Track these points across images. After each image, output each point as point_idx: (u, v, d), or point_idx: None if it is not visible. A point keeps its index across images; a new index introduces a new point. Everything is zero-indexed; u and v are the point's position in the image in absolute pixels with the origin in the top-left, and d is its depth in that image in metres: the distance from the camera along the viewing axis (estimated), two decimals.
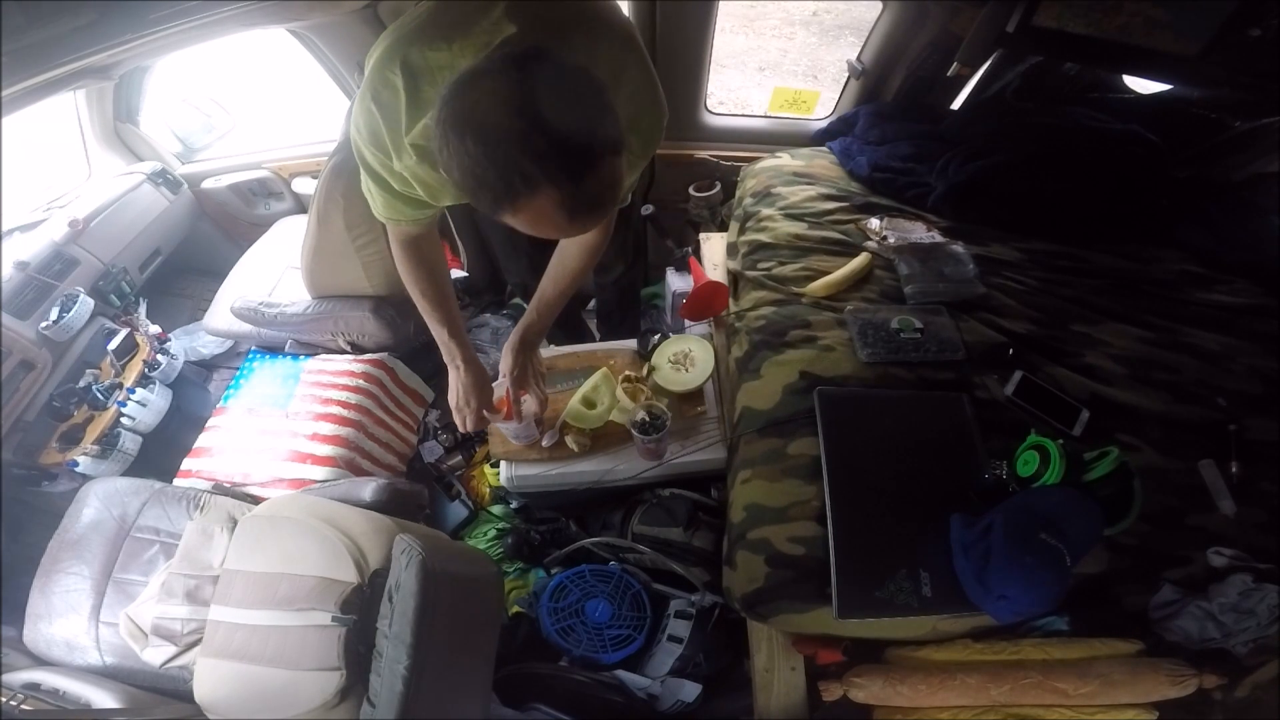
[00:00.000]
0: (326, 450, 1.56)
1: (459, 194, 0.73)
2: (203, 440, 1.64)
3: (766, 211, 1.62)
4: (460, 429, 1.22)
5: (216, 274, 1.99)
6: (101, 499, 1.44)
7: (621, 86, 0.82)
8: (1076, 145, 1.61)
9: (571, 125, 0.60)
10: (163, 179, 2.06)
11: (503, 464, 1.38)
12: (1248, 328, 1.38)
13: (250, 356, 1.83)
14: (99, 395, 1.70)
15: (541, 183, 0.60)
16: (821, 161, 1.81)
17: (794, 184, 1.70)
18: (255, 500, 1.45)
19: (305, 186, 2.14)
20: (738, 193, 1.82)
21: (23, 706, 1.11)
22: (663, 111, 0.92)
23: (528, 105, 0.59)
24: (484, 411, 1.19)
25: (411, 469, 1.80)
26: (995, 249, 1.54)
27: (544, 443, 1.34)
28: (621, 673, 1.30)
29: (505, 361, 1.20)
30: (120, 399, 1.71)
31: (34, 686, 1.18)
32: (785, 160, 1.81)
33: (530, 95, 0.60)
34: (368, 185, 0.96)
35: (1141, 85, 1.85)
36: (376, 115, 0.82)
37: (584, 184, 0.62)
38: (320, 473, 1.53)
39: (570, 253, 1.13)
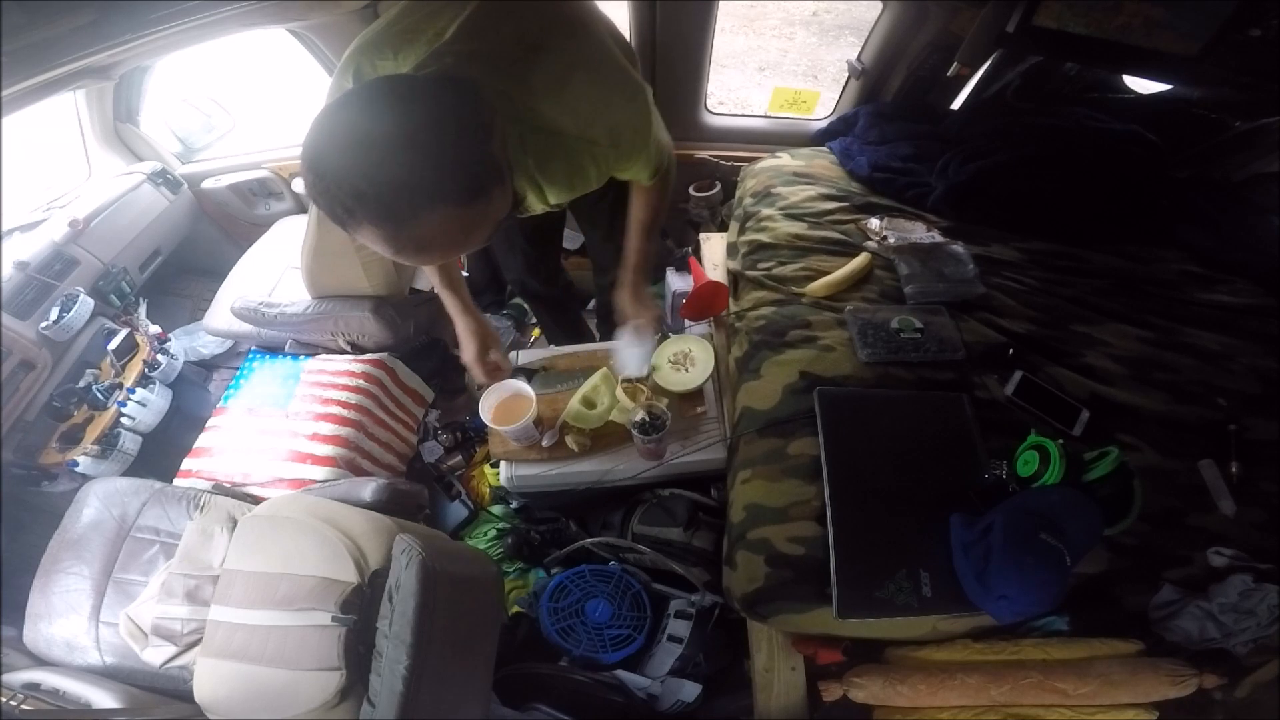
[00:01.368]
0: (326, 450, 1.56)
1: None
2: (203, 440, 1.64)
3: (766, 211, 1.62)
4: (479, 380, 1.26)
5: (216, 274, 1.99)
6: (101, 499, 1.44)
7: (566, 82, 0.81)
8: (1076, 145, 1.61)
9: (398, 173, 0.59)
10: (163, 179, 2.06)
11: (503, 464, 1.37)
12: (1248, 328, 1.38)
13: (250, 356, 1.83)
14: (99, 395, 1.69)
15: (362, 221, 0.61)
16: (821, 161, 1.81)
17: (794, 184, 1.70)
18: (255, 500, 1.45)
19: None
20: (738, 193, 1.82)
21: (23, 706, 1.11)
22: (627, 107, 0.89)
23: (363, 144, 0.60)
24: (491, 363, 1.23)
25: (411, 469, 1.80)
26: (995, 249, 1.54)
27: (544, 443, 1.34)
28: (621, 673, 1.30)
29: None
30: (120, 399, 1.71)
31: (34, 686, 1.18)
32: (785, 160, 1.81)
33: (370, 134, 0.60)
34: None
35: (1141, 85, 1.85)
36: None
37: (405, 228, 0.62)
38: (320, 473, 1.53)
39: (634, 205, 1.14)
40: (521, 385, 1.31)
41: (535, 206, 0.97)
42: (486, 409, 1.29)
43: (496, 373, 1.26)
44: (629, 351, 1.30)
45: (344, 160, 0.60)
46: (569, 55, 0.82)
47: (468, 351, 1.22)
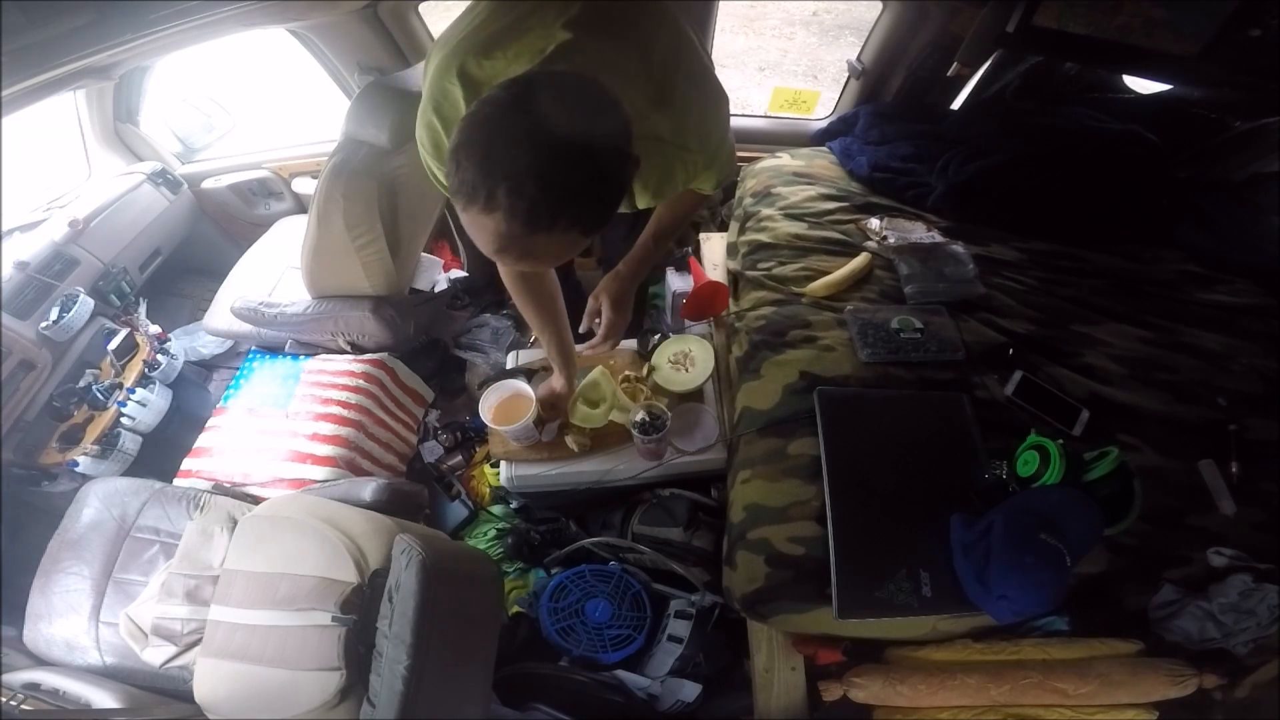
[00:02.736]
0: (326, 450, 1.56)
1: None
2: (203, 440, 1.64)
3: (766, 211, 1.62)
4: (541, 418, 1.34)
5: (216, 274, 1.99)
6: (101, 499, 1.44)
7: (675, 89, 0.80)
8: (1076, 145, 1.61)
9: (561, 189, 0.59)
10: (163, 179, 2.06)
11: (503, 464, 1.38)
12: (1248, 328, 1.38)
13: (250, 356, 1.83)
14: (99, 395, 1.69)
15: (497, 210, 0.59)
16: (821, 161, 1.81)
17: (794, 184, 1.71)
18: (255, 500, 1.45)
19: (305, 186, 2.13)
20: (738, 193, 1.82)
21: (23, 706, 1.10)
22: (718, 116, 0.90)
23: (547, 145, 0.58)
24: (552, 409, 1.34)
25: (411, 469, 1.80)
26: (995, 249, 1.54)
27: (543, 438, 1.34)
28: (621, 673, 1.30)
29: (590, 305, 1.24)
30: (120, 399, 1.71)
31: (34, 686, 1.18)
32: (785, 160, 1.81)
33: (555, 138, 0.59)
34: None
35: (1141, 85, 1.85)
36: (439, 128, 0.80)
37: (532, 235, 0.61)
38: (320, 473, 1.53)
39: (668, 205, 1.13)
40: (521, 385, 1.32)
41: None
42: (486, 409, 1.29)
43: (549, 415, 1.35)
44: (511, 434, 1.34)
45: (518, 151, 0.58)
46: (675, 62, 0.81)
47: (544, 390, 1.34)
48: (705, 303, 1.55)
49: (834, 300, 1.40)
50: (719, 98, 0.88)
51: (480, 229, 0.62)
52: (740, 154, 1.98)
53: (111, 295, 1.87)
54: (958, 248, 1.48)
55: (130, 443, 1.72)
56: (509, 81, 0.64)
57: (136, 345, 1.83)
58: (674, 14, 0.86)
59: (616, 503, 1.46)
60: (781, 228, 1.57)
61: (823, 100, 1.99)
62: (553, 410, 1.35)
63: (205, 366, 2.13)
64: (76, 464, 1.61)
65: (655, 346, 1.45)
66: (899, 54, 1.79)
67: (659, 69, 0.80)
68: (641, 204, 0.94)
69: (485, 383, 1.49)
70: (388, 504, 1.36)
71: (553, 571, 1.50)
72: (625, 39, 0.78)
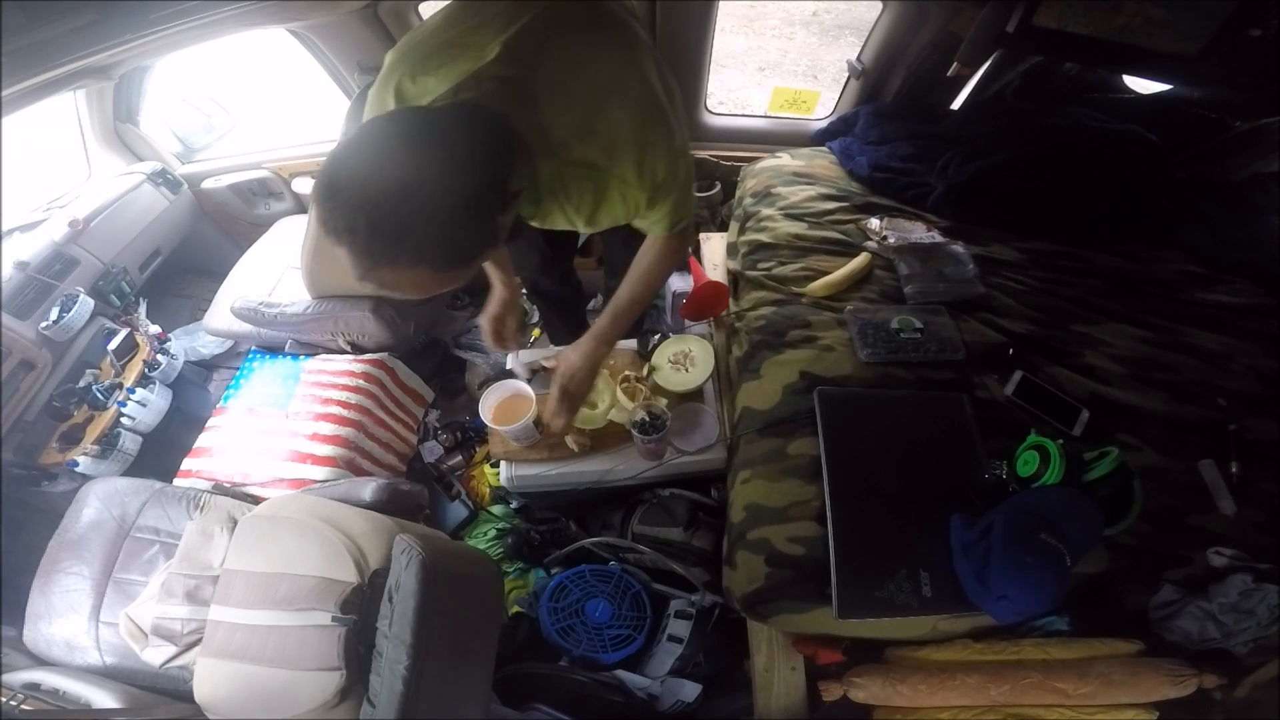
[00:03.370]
0: (326, 450, 1.56)
1: None
2: (203, 440, 1.64)
3: (766, 211, 1.62)
4: (491, 344, 1.26)
5: (216, 274, 1.99)
6: (101, 499, 1.44)
7: (605, 118, 0.80)
8: (1076, 145, 1.61)
9: (393, 224, 0.60)
10: (163, 179, 2.06)
11: (503, 464, 1.37)
12: (1248, 328, 1.38)
13: (250, 356, 1.83)
14: (99, 395, 1.69)
15: (345, 245, 0.62)
16: (821, 161, 1.81)
17: (794, 184, 1.70)
18: (255, 500, 1.45)
19: (305, 186, 2.13)
20: (738, 193, 1.82)
21: (23, 706, 1.11)
22: (664, 148, 0.86)
23: (374, 181, 0.61)
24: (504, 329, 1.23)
25: (411, 469, 1.80)
26: (995, 249, 1.54)
27: (540, 435, 1.33)
28: (621, 673, 1.30)
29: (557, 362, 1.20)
30: (120, 399, 1.71)
31: (34, 686, 1.18)
32: (785, 160, 1.81)
33: (385, 173, 0.61)
34: None
35: (1141, 85, 1.85)
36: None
37: (378, 269, 0.63)
38: (320, 473, 1.53)
39: (641, 258, 1.11)
40: (521, 385, 1.32)
41: (561, 225, 0.96)
42: (487, 409, 1.29)
43: (501, 340, 1.25)
44: (513, 434, 1.28)
45: (354, 187, 0.61)
46: (609, 92, 0.80)
47: (487, 310, 1.22)
48: (705, 303, 1.55)
49: (834, 300, 1.40)
50: (668, 135, 0.85)
51: (343, 259, 0.64)
52: (740, 154, 2.01)
53: (111, 295, 1.87)
54: (958, 248, 1.48)
55: (130, 443, 1.72)
56: (385, 114, 0.68)
57: (136, 345, 1.83)
58: (628, 46, 0.85)
59: (616, 503, 1.46)
60: (781, 228, 1.57)
61: (823, 100, 1.99)
62: (501, 338, 1.25)
63: (205, 366, 2.13)
64: (76, 464, 1.61)
65: (655, 346, 1.44)
66: (899, 54, 1.79)
67: (585, 98, 0.79)
68: (581, 227, 0.94)
69: (485, 383, 1.50)
70: (388, 504, 1.36)
71: (553, 571, 1.50)
72: (549, 68, 0.78)
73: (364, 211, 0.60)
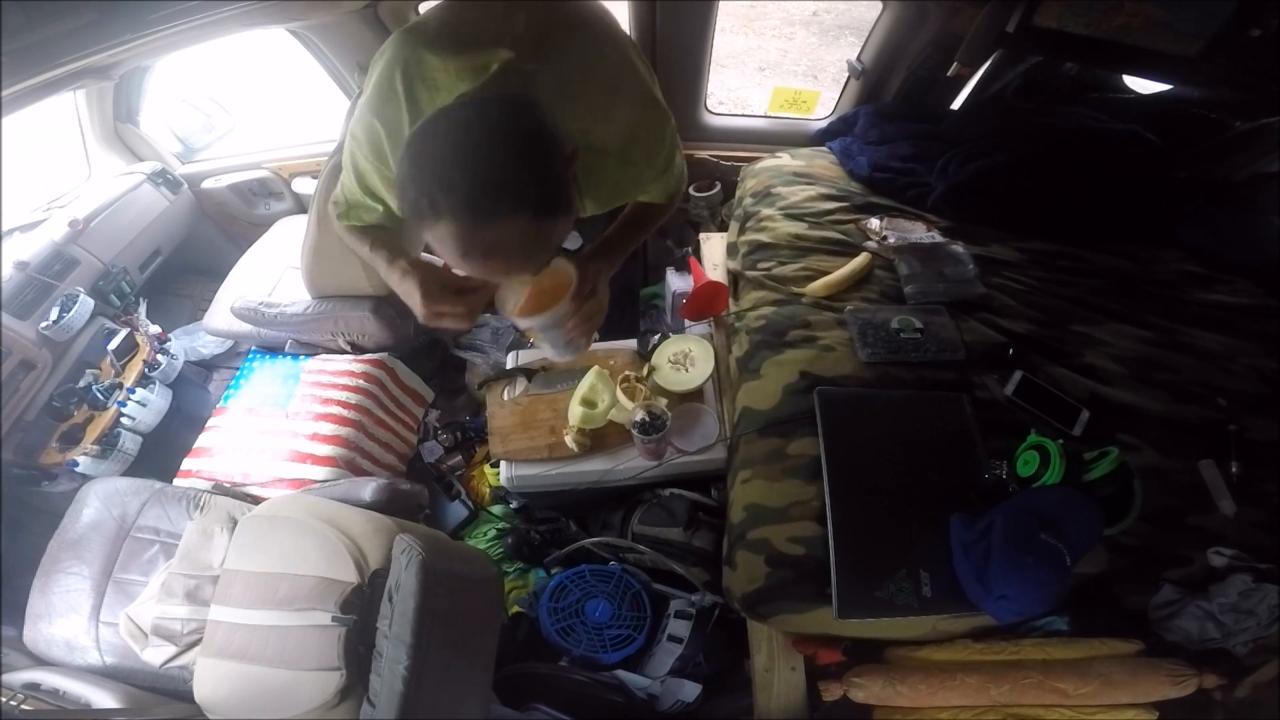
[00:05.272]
0: (326, 450, 1.56)
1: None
2: (203, 440, 1.64)
3: (766, 211, 1.62)
4: (453, 324, 0.89)
5: (216, 274, 1.99)
6: (101, 499, 1.44)
7: (616, 108, 0.84)
8: (1076, 145, 1.61)
9: (490, 176, 0.63)
10: (163, 179, 2.06)
11: (503, 464, 1.38)
12: (1248, 328, 1.38)
13: (250, 356, 1.83)
14: (99, 395, 1.69)
15: (443, 213, 0.63)
16: (821, 161, 1.81)
17: (794, 184, 1.70)
18: (255, 500, 1.45)
19: (305, 186, 2.13)
20: (738, 193, 1.82)
21: (23, 706, 1.10)
22: (664, 134, 0.93)
23: (461, 145, 0.64)
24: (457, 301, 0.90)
25: (411, 469, 1.79)
26: (995, 249, 1.54)
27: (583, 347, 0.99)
28: (621, 673, 1.30)
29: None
30: (120, 399, 1.71)
31: (34, 686, 1.18)
32: (785, 160, 1.81)
33: (470, 137, 0.64)
34: (350, 189, 0.95)
35: (1141, 85, 1.85)
36: (378, 128, 0.83)
37: (481, 228, 0.64)
38: (320, 473, 1.53)
39: (637, 208, 1.10)
40: (555, 260, 0.89)
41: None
42: (512, 304, 0.87)
43: (446, 317, 0.87)
44: (548, 333, 0.91)
45: (443, 153, 0.64)
46: (615, 83, 0.85)
47: (424, 296, 0.87)
48: (705, 303, 1.55)
49: (834, 300, 1.40)
50: (662, 118, 0.92)
51: (440, 241, 0.66)
52: (740, 154, 2.01)
53: (111, 295, 1.87)
54: (958, 248, 1.48)
55: (130, 443, 1.72)
56: (441, 109, 0.70)
57: (136, 345, 1.83)
58: (621, 38, 0.90)
59: (616, 503, 1.46)
60: (781, 228, 1.57)
61: (823, 100, 1.99)
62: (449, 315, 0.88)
63: (205, 366, 2.12)
64: (76, 464, 1.61)
65: (655, 346, 1.45)
66: (899, 54, 1.79)
67: (600, 91, 0.83)
68: (591, 210, 0.97)
69: (485, 382, 1.49)
70: (388, 504, 1.35)
71: (553, 571, 1.50)
72: (567, 61, 0.81)
73: (459, 166, 0.62)
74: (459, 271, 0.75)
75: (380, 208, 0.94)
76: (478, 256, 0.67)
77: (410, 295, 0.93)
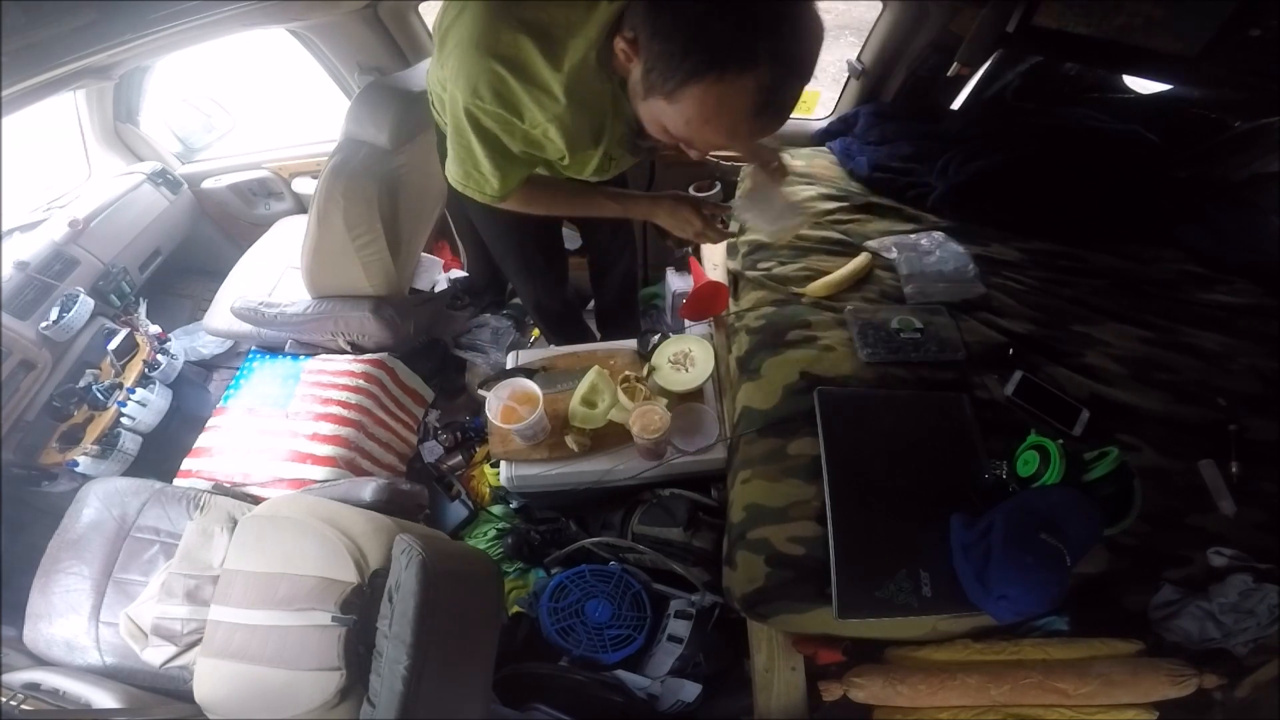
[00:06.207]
0: (326, 450, 1.56)
1: (594, 138, 0.87)
2: (203, 440, 1.64)
3: None
4: (699, 240, 1.19)
5: (216, 274, 1.99)
6: (101, 499, 1.44)
7: None
8: (1076, 145, 1.61)
9: (813, 44, 0.69)
10: (163, 179, 2.06)
11: (503, 464, 1.37)
12: (1248, 328, 1.38)
13: (250, 356, 1.83)
14: (99, 395, 1.70)
15: (762, 64, 0.67)
16: (821, 161, 1.81)
17: (794, 184, 1.70)
18: (255, 500, 1.45)
19: (305, 186, 2.14)
20: (738, 193, 1.82)
21: (23, 706, 1.11)
22: None
23: (789, 7, 0.68)
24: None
25: (411, 469, 1.80)
26: (995, 249, 1.54)
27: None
28: (621, 673, 1.30)
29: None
30: (120, 399, 1.71)
31: (34, 686, 1.18)
32: (785, 160, 1.81)
33: (796, 3, 0.68)
34: (475, 159, 0.94)
35: (1141, 85, 1.85)
36: (503, 73, 0.81)
37: (786, 88, 0.70)
38: (320, 473, 1.53)
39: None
40: (526, 383, 1.30)
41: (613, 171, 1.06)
42: (495, 409, 1.28)
43: (713, 235, 1.19)
44: (515, 427, 1.25)
45: (768, 8, 0.67)
46: None
47: (689, 218, 1.15)
48: (705, 303, 1.55)
49: (834, 300, 1.40)
50: None
51: (737, 93, 0.69)
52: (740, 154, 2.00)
53: (111, 295, 1.87)
54: (958, 248, 1.47)
55: (130, 443, 1.72)
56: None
57: (136, 345, 1.83)
58: None
59: (616, 503, 1.45)
60: None
61: (823, 100, 1.99)
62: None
63: (205, 366, 2.13)
64: (76, 464, 1.61)
65: (655, 346, 1.44)
66: (899, 54, 1.79)
67: None
68: (611, 171, 1.04)
69: (486, 382, 1.49)
70: (388, 504, 1.36)
71: (553, 571, 1.50)
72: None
73: (788, 20, 0.67)
74: (714, 135, 0.77)
75: (536, 152, 0.95)
76: (770, 112, 0.72)
77: (687, 220, 1.12)
